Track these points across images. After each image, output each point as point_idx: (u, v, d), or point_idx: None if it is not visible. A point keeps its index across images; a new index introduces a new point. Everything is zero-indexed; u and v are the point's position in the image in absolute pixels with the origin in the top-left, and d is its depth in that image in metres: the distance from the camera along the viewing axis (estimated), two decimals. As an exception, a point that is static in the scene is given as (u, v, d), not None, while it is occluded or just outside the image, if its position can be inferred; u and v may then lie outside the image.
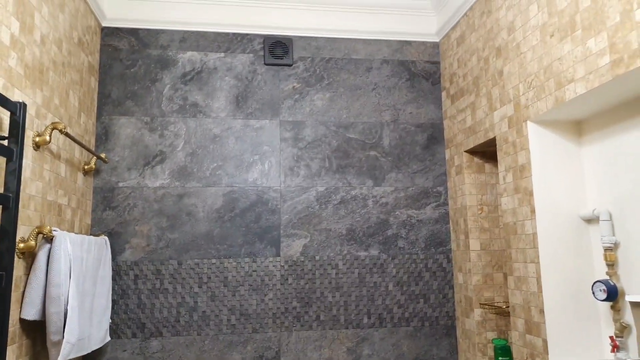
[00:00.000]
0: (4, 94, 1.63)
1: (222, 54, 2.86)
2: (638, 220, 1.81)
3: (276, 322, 2.65)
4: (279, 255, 2.71)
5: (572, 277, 2.00)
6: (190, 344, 2.57)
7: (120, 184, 2.64)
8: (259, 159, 2.79)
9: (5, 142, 1.55)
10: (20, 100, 1.67)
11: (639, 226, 1.80)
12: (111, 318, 2.50)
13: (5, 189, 1.49)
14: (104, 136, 2.67)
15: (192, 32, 2.85)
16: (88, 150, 2.29)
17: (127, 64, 2.76)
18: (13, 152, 1.50)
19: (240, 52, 2.88)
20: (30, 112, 1.83)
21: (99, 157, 2.48)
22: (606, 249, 1.90)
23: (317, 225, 2.77)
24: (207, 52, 2.85)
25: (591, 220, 2.03)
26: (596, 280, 1.93)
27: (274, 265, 2.69)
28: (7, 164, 1.51)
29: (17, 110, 1.54)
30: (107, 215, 2.60)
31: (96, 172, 2.63)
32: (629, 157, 1.85)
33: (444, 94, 2.97)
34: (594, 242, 2.03)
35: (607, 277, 1.90)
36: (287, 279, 2.69)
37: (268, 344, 2.63)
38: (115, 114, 2.70)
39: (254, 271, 2.68)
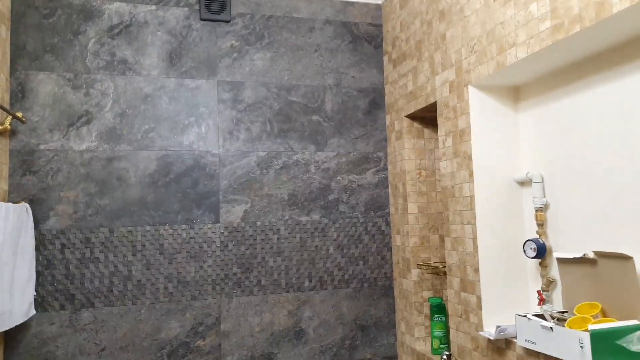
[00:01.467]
0: None
1: (154, 7, 2.64)
2: (566, 183, 1.91)
3: (216, 288, 2.59)
4: (218, 222, 2.62)
5: (506, 237, 2.10)
6: (125, 314, 2.45)
7: (42, 147, 2.41)
8: (195, 121, 2.65)
9: None
10: None
11: (567, 188, 1.91)
12: (36, 290, 2.32)
13: None
14: (20, 93, 2.41)
15: (119, -20, 2.60)
16: (2, 108, 2.05)
17: (44, 12, 2.48)
18: None
19: (173, 6, 2.67)
20: None
21: (14, 117, 2.23)
22: (537, 210, 2.01)
23: (258, 191, 2.70)
24: (137, 3, 2.62)
25: (524, 183, 2.13)
26: (527, 239, 2.04)
27: (212, 232, 2.61)
28: None
29: None
30: (27, 181, 2.37)
31: (12, 133, 2.37)
32: (561, 123, 1.94)
33: (385, 58, 2.95)
34: (526, 204, 2.13)
35: (537, 236, 2.01)
36: (227, 246, 2.63)
37: (207, 310, 2.57)
38: (33, 68, 2.43)
39: (191, 238, 2.58)
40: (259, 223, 2.69)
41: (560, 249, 1.95)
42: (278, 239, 2.71)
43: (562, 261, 1.85)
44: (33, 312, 2.19)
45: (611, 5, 1.41)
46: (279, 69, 2.81)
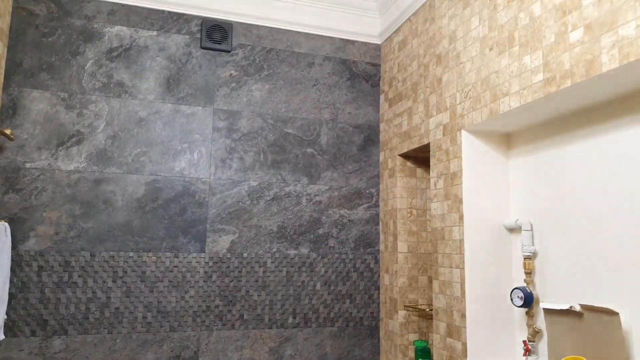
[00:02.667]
0: None
1: (155, 33, 2.66)
2: (555, 232, 1.90)
3: (196, 320, 2.52)
4: (203, 251, 2.57)
5: (494, 283, 2.08)
6: (100, 343, 2.37)
7: (28, 165, 2.37)
8: (188, 148, 2.64)
9: None
10: None
11: (555, 238, 1.90)
12: (7, 314, 2.23)
13: None
14: (10, 110, 2.38)
15: (123, 5, 2.62)
16: (-10, 124, 2.02)
17: (44, 31, 2.48)
18: None
19: (175, 33, 2.70)
20: None
21: (2, 133, 2.20)
22: (526, 258, 1.99)
23: (247, 222, 2.67)
24: (138, 28, 2.64)
25: (514, 229, 2.11)
26: (515, 287, 2.01)
27: (197, 262, 2.55)
28: None
29: None
30: (10, 199, 2.32)
31: (-1, 149, 2.34)
32: (550, 172, 1.94)
33: (382, 97, 2.98)
34: (515, 250, 2.12)
35: (525, 285, 1.99)
36: (211, 276, 2.57)
37: (186, 343, 2.49)
38: (27, 86, 2.42)
39: (175, 267, 2.52)
40: (245, 255, 2.64)
41: (548, 299, 1.92)
42: (264, 272, 2.66)
43: (548, 312, 1.82)
44: (2, 336, 2.11)
45: (601, 64, 1.43)
46: (276, 101, 2.82)
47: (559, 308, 1.76)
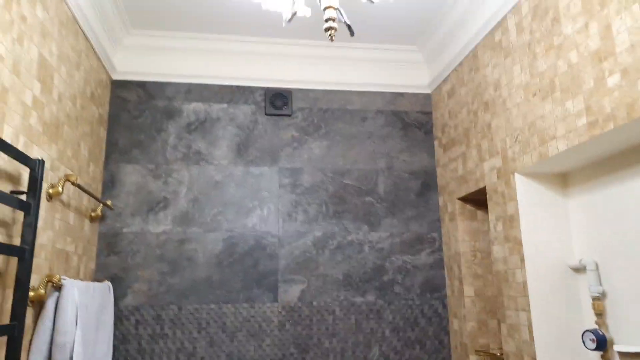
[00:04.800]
0: (24, 150, 1.75)
1: (225, 105, 3.01)
2: (623, 271, 1.89)
3: (274, 367, 2.67)
4: (276, 301, 2.76)
5: (563, 325, 2.06)
6: (188, 390, 2.58)
7: (124, 230, 2.72)
8: (258, 205, 2.89)
9: (24, 197, 1.65)
10: (39, 157, 1.78)
11: (624, 277, 1.88)
12: (111, 364, 2.52)
13: (21, 242, 1.57)
14: (110, 183, 2.78)
15: (197, 85, 3.00)
16: (95, 198, 2.39)
17: (134, 114, 2.90)
18: (30, 206, 1.59)
19: (242, 103, 3.03)
20: (46, 165, 1.94)
21: (105, 205, 2.57)
22: (594, 299, 1.97)
23: (314, 271, 2.84)
24: (211, 103, 3.00)
25: (579, 269, 2.11)
26: (586, 329, 1.99)
27: (271, 311, 2.74)
28: (24, 217, 1.60)
29: (36, 167, 1.65)
30: (111, 261, 2.67)
31: (101, 218, 2.71)
32: (612, 210, 1.95)
33: (436, 142, 3.10)
34: (583, 291, 2.10)
35: (596, 327, 1.96)
36: (284, 325, 2.74)
37: (265, 390, 2.64)
38: (122, 161, 2.82)
39: (252, 317, 2.72)
40: (315, 303, 2.79)
41: (622, 341, 1.88)
42: (333, 320, 2.78)
43: (625, 355, 1.79)
44: (108, 384, 2.38)
45: (641, 106, 1.49)
46: (334, 155, 3.03)
47: (635, 351, 1.73)
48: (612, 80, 1.62)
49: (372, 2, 1.36)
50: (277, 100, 3.06)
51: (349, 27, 1.37)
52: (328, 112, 3.10)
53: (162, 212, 2.79)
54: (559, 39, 1.89)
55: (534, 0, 2.06)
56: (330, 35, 1.29)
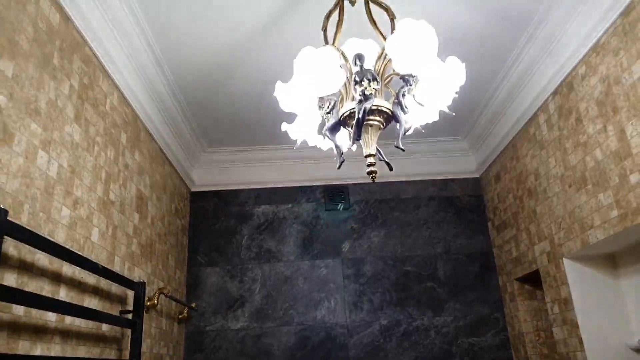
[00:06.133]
0: (128, 273, 2.14)
1: (290, 205, 3.36)
2: (685, 354, 1.90)
3: None
4: (349, 390, 2.90)
5: (632, 412, 2.05)
6: None
7: (207, 328, 3.05)
8: (325, 297, 3.12)
9: (129, 315, 2.01)
10: (140, 279, 2.16)
11: (687, 360, 1.89)
12: None
13: (130, 356, 1.91)
14: (193, 286, 3.15)
15: (265, 189, 3.40)
16: (182, 303, 2.74)
17: (212, 221, 3.32)
18: (136, 324, 1.95)
19: (305, 202, 3.37)
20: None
21: (190, 308, 2.92)
22: (660, 383, 1.97)
23: (383, 359, 2.97)
24: (278, 204, 3.36)
25: (639, 349, 2.12)
26: (657, 415, 1.97)
27: (345, 400, 2.88)
28: (132, 333, 1.95)
29: (139, 290, 2.02)
30: (197, 358, 2.98)
31: (187, 319, 3.06)
32: (664, 292, 2.00)
33: (490, 224, 3.23)
34: (650, 373, 2.09)
35: (668, 412, 1.95)
36: (358, 413, 2.85)
37: None
38: (203, 265, 3.20)
39: (327, 406, 2.87)
40: (386, 390, 2.90)
41: None
42: (405, 406, 2.86)
43: None
44: None
45: (662, 204, 1.62)
46: (392, 243, 3.25)
47: None
48: (634, 178, 1.76)
49: (422, 105, 1.55)
50: (336, 196, 3.37)
51: (388, 164, 1.65)
52: (383, 202, 3.36)
53: (240, 309, 3.10)
54: (584, 137, 2.07)
55: (559, 100, 2.27)
56: (372, 177, 1.58)
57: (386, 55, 1.47)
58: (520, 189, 2.72)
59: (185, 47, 2.27)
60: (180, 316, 2.90)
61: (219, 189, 3.40)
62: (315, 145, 1.82)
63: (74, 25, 1.78)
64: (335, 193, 3.39)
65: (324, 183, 3.41)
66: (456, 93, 1.52)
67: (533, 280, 2.86)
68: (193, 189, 3.39)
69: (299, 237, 3.28)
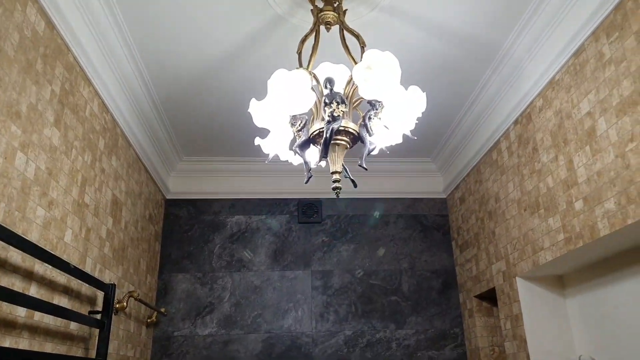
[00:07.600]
0: (99, 275, 2.19)
1: (264, 216, 3.45)
2: (621, 371, 2.05)
3: None
4: (311, 398, 2.97)
5: None
6: None
7: (175, 333, 3.09)
8: (293, 307, 3.20)
9: (99, 316, 2.06)
10: (111, 281, 2.22)
11: (622, 376, 2.04)
12: None
13: (96, 355, 1.96)
14: (163, 291, 3.19)
15: (240, 200, 3.47)
16: (151, 307, 2.79)
17: (185, 228, 3.37)
18: (105, 324, 2.00)
19: (278, 214, 3.46)
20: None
21: (159, 312, 2.96)
22: (599, 397, 2.11)
23: (346, 369, 3.05)
24: (251, 215, 3.44)
25: (583, 367, 2.26)
26: None
27: (307, 408, 2.95)
28: (99, 333, 2.00)
29: (109, 291, 2.07)
30: (163, 362, 3.01)
31: (155, 323, 3.10)
32: (605, 309, 2.15)
33: (453, 243, 3.38)
34: (591, 389, 2.24)
35: None
36: (319, 422, 2.92)
37: None
38: (174, 271, 3.25)
39: (289, 414, 2.93)
40: (347, 400, 2.98)
41: None
42: (365, 416, 2.95)
43: None
44: None
45: (599, 230, 1.77)
46: (361, 257, 3.36)
47: None
48: (578, 205, 1.92)
49: (387, 128, 1.67)
50: (309, 210, 3.47)
51: (353, 181, 1.76)
52: (354, 218, 3.47)
53: (209, 315, 3.15)
54: (539, 165, 2.23)
55: (519, 130, 2.44)
56: (336, 193, 1.70)
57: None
58: (482, 210, 2.87)
59: (167, 60, 2.37)
60: (149, 320, 2.94)
61: (194, 197, 3.47)
62: (287, 160, 1.92)
63: (59, 32, 1.86)
64: (308, 207, 3.49)
65: (297, 197, 3.51)
66: (417, 119, 1.65)
67: (490, 297, 3.00)
68: (168, 197, 3.45)
69: (271, 248, 3.36)
